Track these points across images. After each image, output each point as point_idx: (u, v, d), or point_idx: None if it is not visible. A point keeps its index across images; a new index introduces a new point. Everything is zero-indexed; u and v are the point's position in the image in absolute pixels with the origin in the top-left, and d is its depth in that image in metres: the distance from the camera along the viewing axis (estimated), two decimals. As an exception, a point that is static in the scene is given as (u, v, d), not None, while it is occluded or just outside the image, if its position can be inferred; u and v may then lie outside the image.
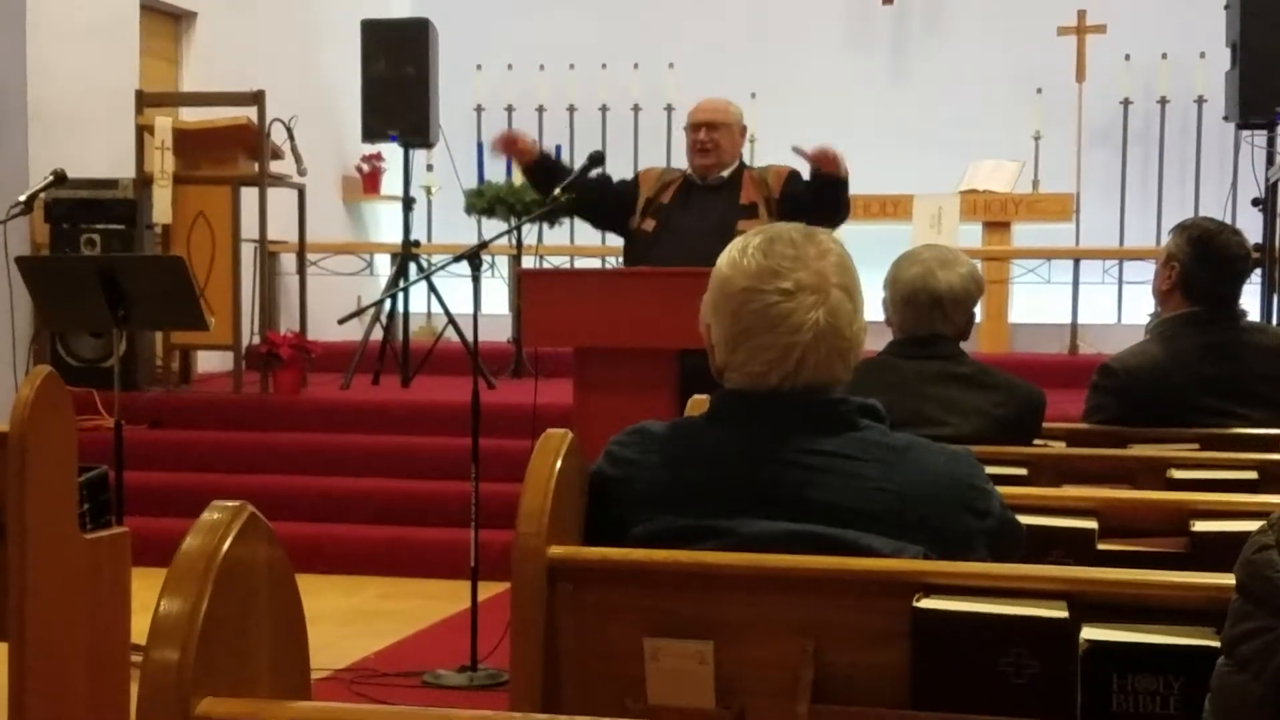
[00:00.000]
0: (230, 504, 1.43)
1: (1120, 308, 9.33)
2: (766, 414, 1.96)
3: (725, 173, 5.25)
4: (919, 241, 6.96)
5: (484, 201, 9.24)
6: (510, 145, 5.35)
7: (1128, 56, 9.75)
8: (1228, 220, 4.46)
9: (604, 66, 10.43)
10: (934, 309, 3.31)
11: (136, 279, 4.89)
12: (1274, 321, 6.61)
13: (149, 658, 1.34)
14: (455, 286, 7.63)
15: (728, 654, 1.83)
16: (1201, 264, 3.58)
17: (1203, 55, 9.29)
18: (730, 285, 1.96)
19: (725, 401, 2.02)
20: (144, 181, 7.49)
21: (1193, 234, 3.63)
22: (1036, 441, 3.32)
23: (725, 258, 2.00)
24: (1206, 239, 3.61)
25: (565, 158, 9.68)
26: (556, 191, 5.08)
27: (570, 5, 10.78)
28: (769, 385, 1.95)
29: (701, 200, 5.21)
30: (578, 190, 5.01)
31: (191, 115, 8.07)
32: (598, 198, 5.32)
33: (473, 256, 4.71)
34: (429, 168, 10.01)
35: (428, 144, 8.40)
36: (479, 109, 10.60)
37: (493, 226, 9.27)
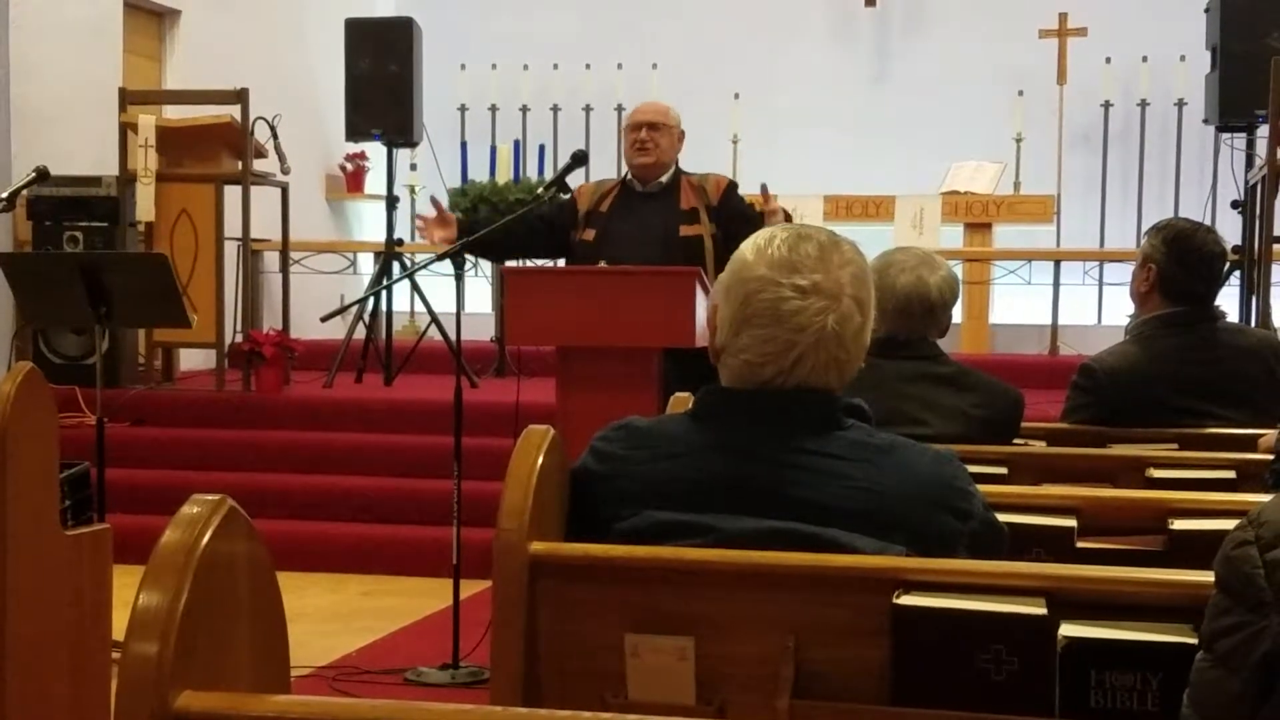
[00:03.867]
0: (210, 497, 1.42)
1: (1100, 309, 9.35)
2: (752, 411, 1.96)
3: (664, 177, 5.19)
4: (901, 243, 6.99)
5: (467, 200, 9.22)
6: (439, 224, 5.16)
7: (1108, 59, 9.78)
8: (1207, 223, 4.47)
9: (588, 66, 10.44)
10: (926, 316, 3.33)
11: (119, 276, 4.87)
12: (1253, 323, 6.63)
13: (127, 651, 1.33)
14: (438, 285, 7.62)
15: (708, 650, 1.83)
16: (1178, 264, 3.59)
17: (1183, 58, 9.32)
18: (748, 270, 1.96)
19: (710, 398, 2.02)
20: (127, 179, 7.48)
21: (1168, 234, 3.65)
22: (1017, 441, 3.33)
23: (750, 243, 2.00)
24: (1182, 239, 3.62)
25: (548, 158, 9.78)
26: (540, 190, 5.09)
27: (554, 5, 10.78)
28: (760, 379, 1.94)
29: (641, 207, 5.16)
30: (516, 234, 5.06)
31: (175, 113, 8.05)
32: (532, 231, 5.23)
33: (455, 255, 4.71)
34: (412, 166, 10.00)
35: (411, 143, 8.40)
36: (463, 108, 10.59)
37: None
